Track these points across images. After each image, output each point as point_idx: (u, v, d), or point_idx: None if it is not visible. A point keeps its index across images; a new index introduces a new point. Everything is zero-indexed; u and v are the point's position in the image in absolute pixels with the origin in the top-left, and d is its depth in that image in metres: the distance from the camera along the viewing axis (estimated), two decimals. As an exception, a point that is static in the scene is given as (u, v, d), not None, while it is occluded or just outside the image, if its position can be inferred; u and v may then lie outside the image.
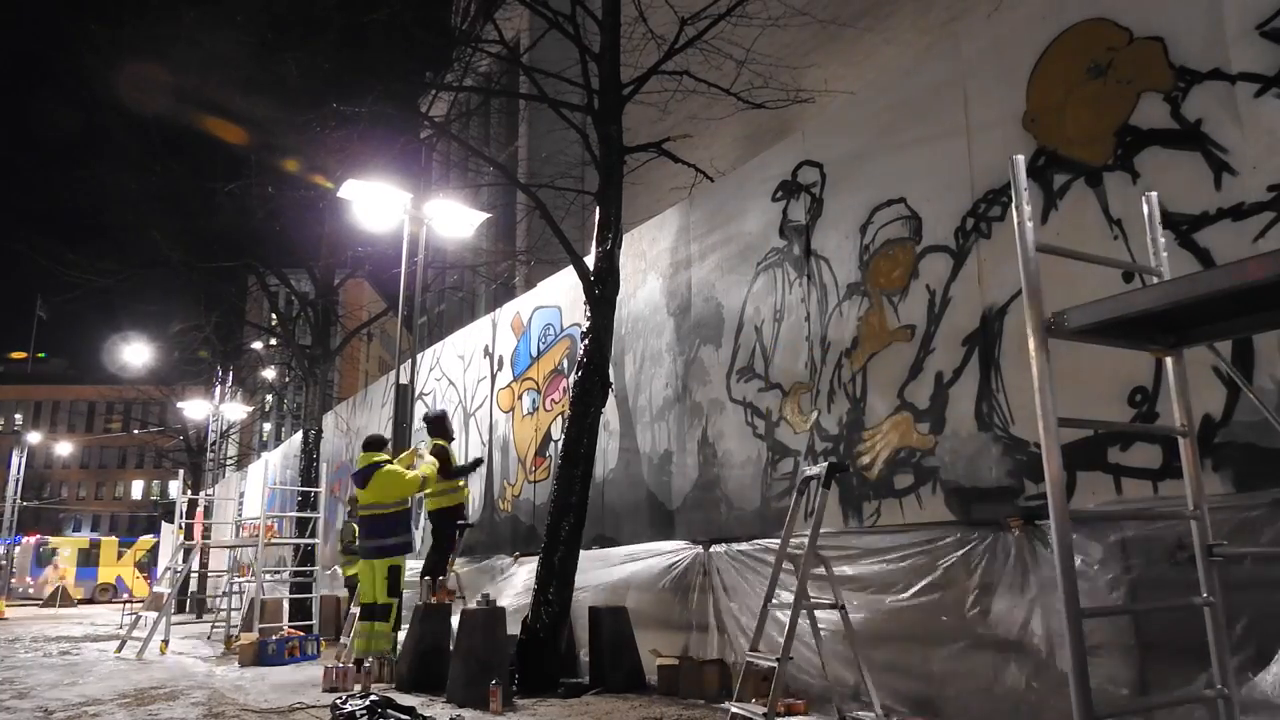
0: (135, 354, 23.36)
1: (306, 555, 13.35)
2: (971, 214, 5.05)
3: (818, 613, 4.70)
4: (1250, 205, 3.78)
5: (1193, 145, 4.02)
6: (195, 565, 19.99)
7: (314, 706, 6.04)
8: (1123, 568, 3.94)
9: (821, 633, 4.89)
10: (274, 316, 18.31)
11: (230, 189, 12.86)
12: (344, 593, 12.38)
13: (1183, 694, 3.60)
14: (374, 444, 8.04)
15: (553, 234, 7.70)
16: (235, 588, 13.25)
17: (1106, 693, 3.91)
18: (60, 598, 24.54)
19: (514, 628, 6.72)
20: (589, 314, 7.19)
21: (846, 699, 4.92)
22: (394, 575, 7.69)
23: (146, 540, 37.98)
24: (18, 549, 36.62)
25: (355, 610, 9.27)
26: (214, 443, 24.17)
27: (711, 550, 6.46)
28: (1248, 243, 3.77)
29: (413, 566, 8.81)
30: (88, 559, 36.39)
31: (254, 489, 22.97)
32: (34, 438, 45.75)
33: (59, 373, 71.36)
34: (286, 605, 12.31)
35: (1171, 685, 3.71)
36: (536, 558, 7.15)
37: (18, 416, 70.93)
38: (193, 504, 17.90)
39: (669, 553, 6.84)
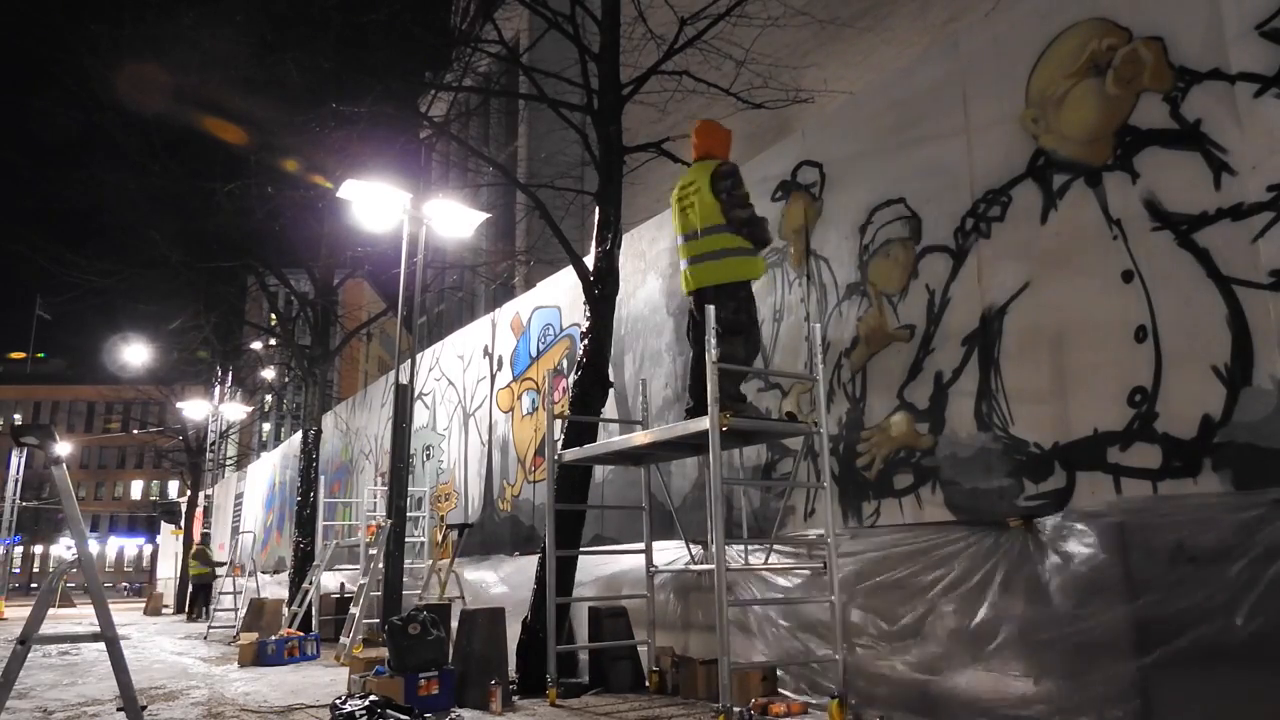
0: (135, 354, 23.37)
1: (306, 556, 13.38)
2: (971, 214, 5.05)
3: (816, 610, 4.70)
4: (1250, 205, 3.78)
5: (1192, 145, 4.02)
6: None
7: (313, 706, 6.04)
8: (1123, 568, 3.94)
9: (821, 631, 4.89)
10: (273, 317, 18.29)
11: (230, 189, 12.82)
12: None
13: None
14: None
15: (552, 234, 7.69)
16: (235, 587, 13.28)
17: (1108, 692, 3.91)
18: (59, 598, 24.49)
19: (514, 628, 6.72)
20: (588, 314, 7.19)
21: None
22: None
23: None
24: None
25: (355, 610, 9.30)
26: (213, 443, 24.18)
27: (711, 550, 6.45)
28: (1247, 243, 3.77)
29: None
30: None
31: (253, 490, 22.97)
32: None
33: (58, 373, 71.34)
34: (286, 607, 12.32)
35: (1172, 685, 3.71)
36: (536, 558, 7.15)
37: (17, 416, 70.87)
38: (192, 504, 17.91)
39: (669, 553, 6.83)
